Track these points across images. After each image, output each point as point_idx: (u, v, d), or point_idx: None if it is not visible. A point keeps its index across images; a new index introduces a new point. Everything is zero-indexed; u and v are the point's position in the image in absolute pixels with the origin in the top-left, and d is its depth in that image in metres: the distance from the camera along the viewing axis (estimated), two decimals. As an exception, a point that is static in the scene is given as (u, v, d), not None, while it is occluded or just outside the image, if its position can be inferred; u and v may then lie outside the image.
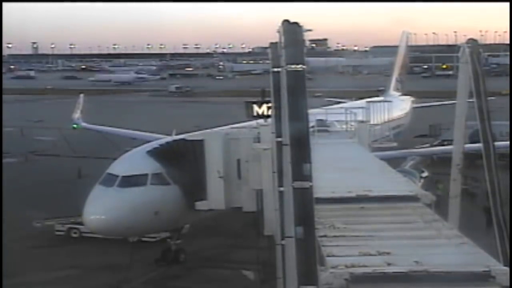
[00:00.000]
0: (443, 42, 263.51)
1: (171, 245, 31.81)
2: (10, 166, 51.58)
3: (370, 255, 12.00)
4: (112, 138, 54.03)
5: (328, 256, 11.90)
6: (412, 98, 68.90)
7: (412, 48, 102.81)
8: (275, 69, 14.95)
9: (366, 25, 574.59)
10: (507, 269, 11.13)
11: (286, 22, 12.09)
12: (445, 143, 49.42)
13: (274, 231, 18.47)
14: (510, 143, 37.34)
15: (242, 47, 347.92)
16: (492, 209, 18.93)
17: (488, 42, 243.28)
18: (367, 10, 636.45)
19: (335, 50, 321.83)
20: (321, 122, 33.16)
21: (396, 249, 12.27)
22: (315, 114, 32.69)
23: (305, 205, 10.50)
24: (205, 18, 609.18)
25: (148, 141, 34.63)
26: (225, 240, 35.28)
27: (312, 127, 27.86)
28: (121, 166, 29.09)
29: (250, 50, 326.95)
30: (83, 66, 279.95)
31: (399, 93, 68.63)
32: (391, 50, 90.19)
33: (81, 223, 30.56)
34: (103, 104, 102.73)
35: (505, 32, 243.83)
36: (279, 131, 14.92)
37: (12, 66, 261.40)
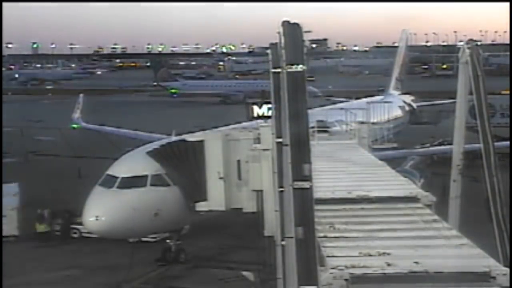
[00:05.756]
0: (443, 42, 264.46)
1: (171, 245, 31.84)
2: (10, 166, 51.54)
3: (370, 255, 12.01)
4: (112, 138, 54.09)
5: (328, 256, 11.91)
6: (412, 97, 69.13)
7: (412, 48, 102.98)
8: (275, 70, 14.94)
9: (366, 25, 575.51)
10: (507, 269, 11.14)
11: (286, 22, 12.08)
12: (445, 143, 49.59)
13: (274, 232, 18.47)
14: (510, 143, 37.37)
15: (243, 47, 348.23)
16: (492, 209, 18.92)
17: (488, 42, 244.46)
18: (367, 10, 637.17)
19: (335, 50, 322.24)
20: (321, 123, 33.18)
21: (396, 250, 12.28)
22: (315, 114, 32.72)
23: (305, 206, 10.48)
24: (205, 18, 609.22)
25: (148, 141, 34.67)
26: (226, 241, 35.29)
27: (312, 127, 27.87)
28: (121, 167, 29.10)
29: (251, 50, 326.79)
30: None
31: (399, 92, 68.87)
32: (391, 50, 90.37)
33: (81, 224, 30.58)
34: (102, 104, 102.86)
35: (505, 32, 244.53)
36: (279, 131, 14.91)
37: (12, 66, 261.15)
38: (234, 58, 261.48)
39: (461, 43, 23.12)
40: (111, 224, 26.84)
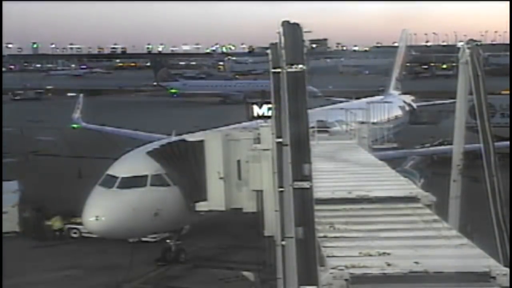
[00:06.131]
0: (443, 42, 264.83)
1: (171, 245, 31.84)
2: (10, 166, 51.49)
3: (370, 255, 12.01)
4: (112, 138, 54.08)
5: (328, 256, 11.91)
6: (412, 97, 69.17)
7: (412, 48, 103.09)
8: (275, 70, 14.94)
9: (366, 25, 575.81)
10: (507, 269, 11.14)
11: (286, 22, 12.08)
12: (445, 143, 49.61)
13: (274, 232, 18.47)
14: (510, 143, 37.38)
15: (243, 47, 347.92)
16: (492, 209, 18.92)
17: (488, 42, 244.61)
18: (367, 10, 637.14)
19: (335, 50, 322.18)
20: (321, 123, 33.19)
21: (396, 250, 12.28)
22: (315, 114, 32.71)
23: (305, 206, 10.48)
24: (205, 18, 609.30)
25: (148, 141, 34.65)
26: (226, 241, 35.28)
27: (312, 127, 27.86)
28: (121, 167, 29.10)
29: (251, 50, 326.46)
30: (84, 66, 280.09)
31: (399, 92, 68.93)
32: (391, 50, 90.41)
33: (81, 223, 30.60)
34: (103, 104, 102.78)
35: (505, 32, 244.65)
36: (279, 131, 14.90)
37: (11, 66, 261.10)
38: (234, 58, 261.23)
39: (461, 43, 23.13)
40: (111, 224, 26.84)
